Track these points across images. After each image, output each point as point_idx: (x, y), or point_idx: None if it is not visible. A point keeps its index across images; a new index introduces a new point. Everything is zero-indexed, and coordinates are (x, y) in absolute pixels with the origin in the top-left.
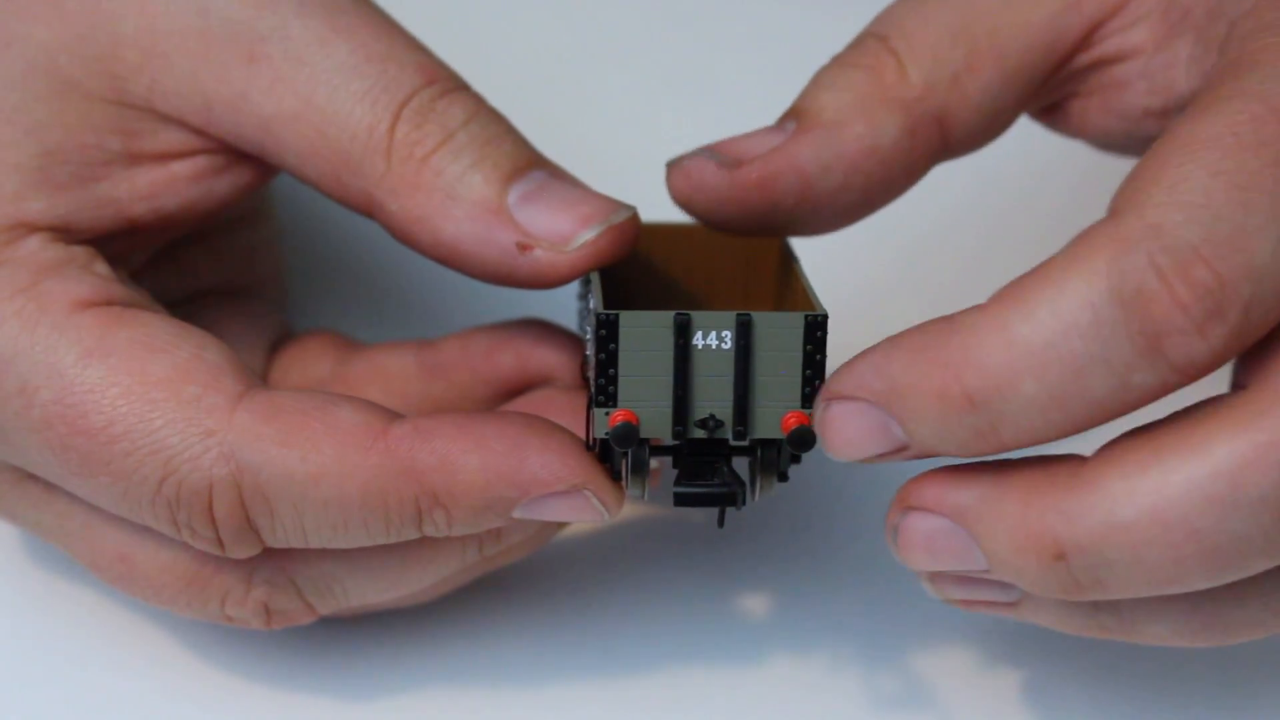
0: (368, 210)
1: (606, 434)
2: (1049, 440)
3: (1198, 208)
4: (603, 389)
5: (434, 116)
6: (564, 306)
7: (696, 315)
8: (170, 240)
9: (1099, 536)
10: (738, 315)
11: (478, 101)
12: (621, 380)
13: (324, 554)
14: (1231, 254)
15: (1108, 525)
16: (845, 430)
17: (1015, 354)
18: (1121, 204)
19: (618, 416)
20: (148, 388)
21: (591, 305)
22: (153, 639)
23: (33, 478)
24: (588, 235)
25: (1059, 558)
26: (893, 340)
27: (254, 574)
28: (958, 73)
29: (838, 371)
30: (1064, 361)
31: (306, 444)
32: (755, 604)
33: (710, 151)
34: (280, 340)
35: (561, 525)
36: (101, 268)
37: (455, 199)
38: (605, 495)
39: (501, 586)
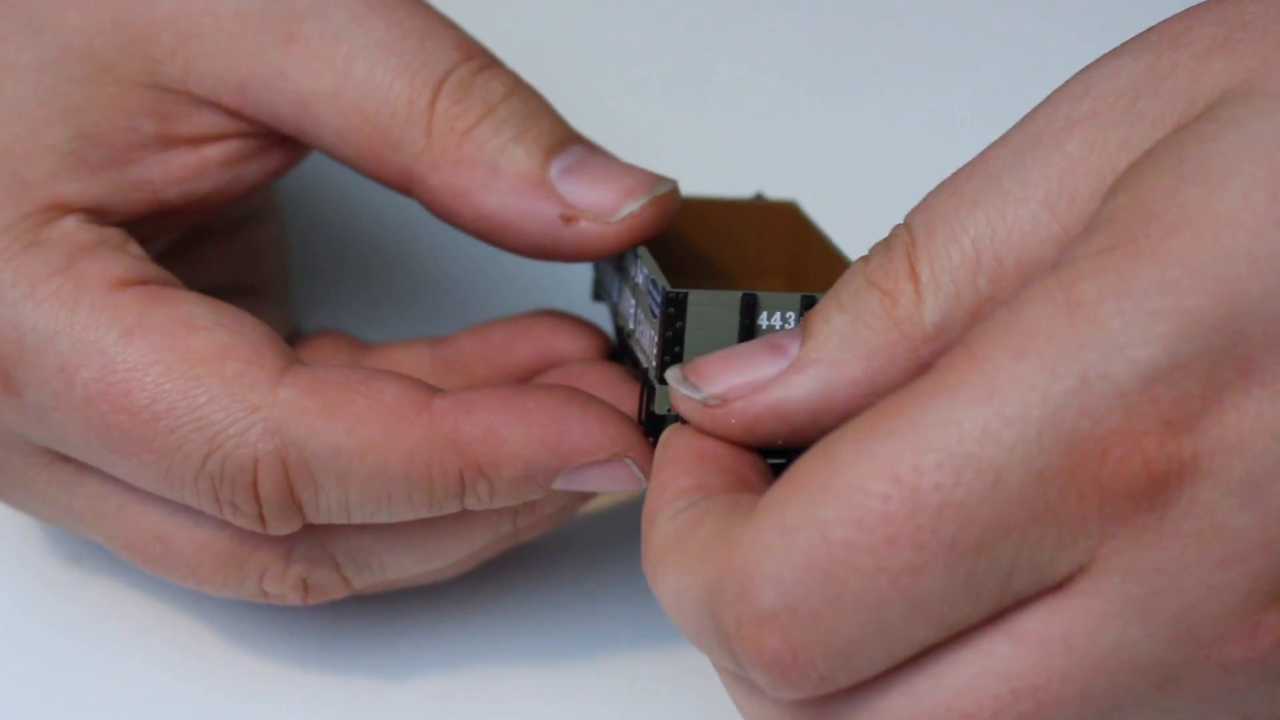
0: (406, 187)
1: (668, 411)
2: None
3: (790, 572)
4: (666, 366)
5: (475, 91)
6: (574, 295)
7: (763, 296)
8: (195, 225)
9: None
10: (803, 296)
11: (515, 78)
12: (687, 358)
13: (362, 528)
14: (809, 630)
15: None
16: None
17: (656, 587)
18: (764, 502)
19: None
20: (190, 365)
21: (641, 280)
22: (171, 625)
23: (64, 460)
24: (632, 206)
25: None
26: (658, 463)
27: (293, 550)
28: (979, 304)
29: (667, 432)
30: (682, 623)
31: (352, 417)
32: None
33: (692, 384)
34: (290, 340)
35: (590, 496)
36: (135, 249)
37: (498, 172)
38: (646, 463)
39: (523, 566)
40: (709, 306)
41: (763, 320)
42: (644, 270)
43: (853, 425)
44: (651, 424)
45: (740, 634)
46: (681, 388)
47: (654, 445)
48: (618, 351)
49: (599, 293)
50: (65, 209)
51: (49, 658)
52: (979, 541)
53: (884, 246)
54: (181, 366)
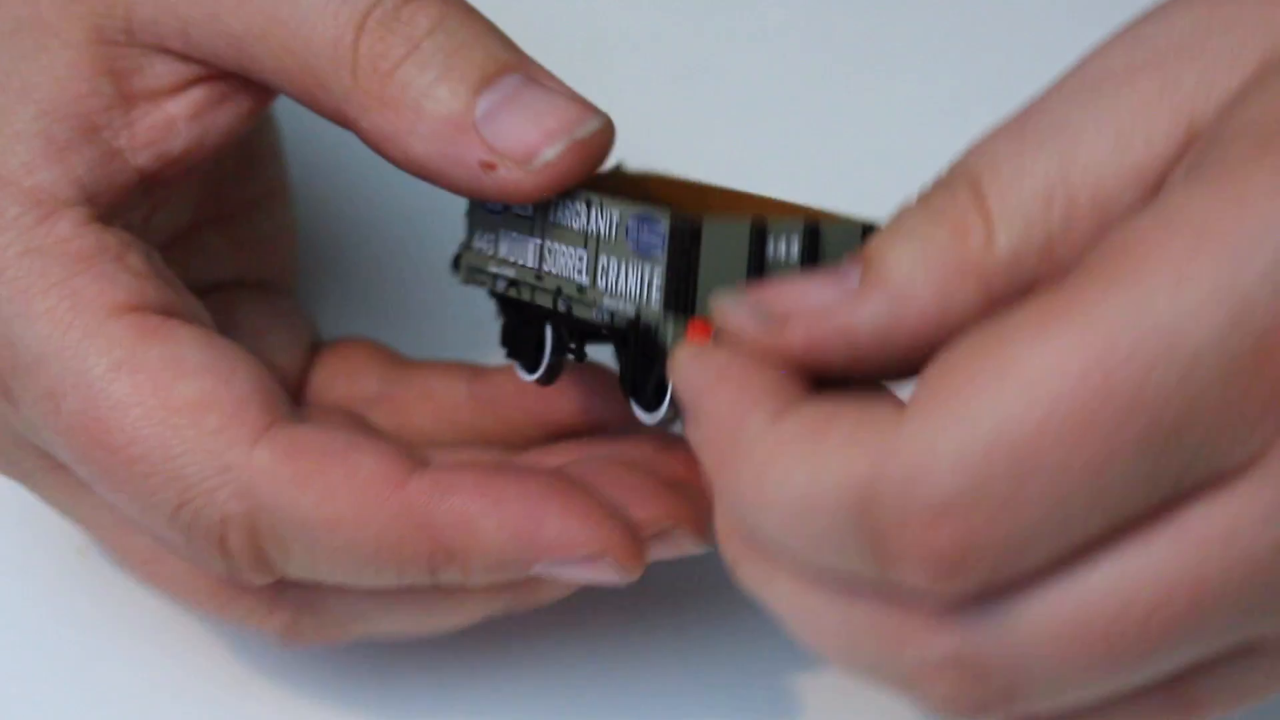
0: (345, 126)
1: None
2: None
3: (972, 461)
4: (680, 296)
5: (398, 26)
6: None
7: (770, 222)
8: (183, 184)
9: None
10: (806, 222)
11: (445, 5)
12: (700, 290)
13: (351, 592)
14: (987, 523)
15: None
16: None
17: (762, 498)
18: (920, 395)
19: (697, 327)
20: (170, 413)
21: (606, 225)
22: (178, 617)
23: (68, 469)
24: (549, 154)
25: (735, 565)
26: (722, 375)
27: (280, 595)
28: (1051, 239)
29: (686, 358)
30: (799, 533)
31: (324, 490)
32: None
33: (753, 305)
34: (317, 343)
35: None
36: (135, 260)
37: (421, 115)
38: (626, 559)
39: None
40: (721, 236)
41: (769, 249)
42: (613, 211)
43: (1016, 318)
44: (642, 371)
45: (903, 531)
46: (741, 309)
47: (642, 397)
48: (513, 326)
49: (461, 267)
50: (54, 204)
51: (56, 649)
52: (1167, 432)
53: (943, 185)
54: (161, 414)
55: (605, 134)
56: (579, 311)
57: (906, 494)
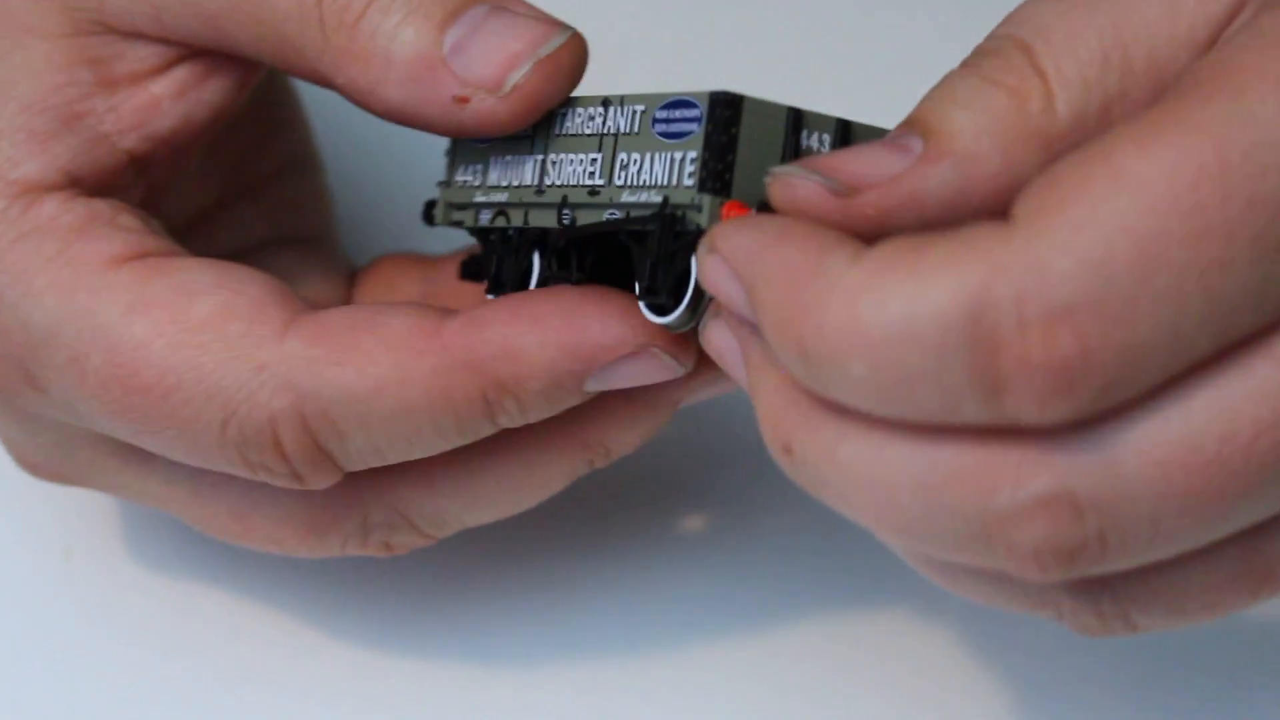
0: (326, 85)
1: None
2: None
3: (1093, 263)
4: (718, 175)
5: None
6: None
7: (806, 114)
8: (188, 162)
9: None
10: (838, 120)
11: None
12: (737, 169)
13: (435, 491)
14: (1108, 328)
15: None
16: (713, 284)
17: (854, 333)
18: (1023, 211)
19: (731, 208)
20: (193, 333)
21: (624, 121)
22: (163, 623)
23: (130, 448)
24: (516, 77)
25: (787, 450)
26: (783, 232)
27: (368, 517)
28: (1109, 101)
29: (737, 227)
30: (897, 364)
31: (361, 358)
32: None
33: (820, 173)
34: (354, 271)
35: (667, 410)
36: (127, 219)
37: (391, 61)
38: (674, 348)
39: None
40: (759, 116)
41: (804, 139)
42: (637, 106)
43: (1119, 133)
44: (663, 264)
45: (1019, 341)
46: (807, 178)
47: (659, 295)
48: (492, 256)
49: (438, 206)
50: (40, 190)
51: (42, 654)
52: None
53: (991, 52)
54: (184, 337)
55: (573, 47)
56: (585, 217)
57: (1023, 301)
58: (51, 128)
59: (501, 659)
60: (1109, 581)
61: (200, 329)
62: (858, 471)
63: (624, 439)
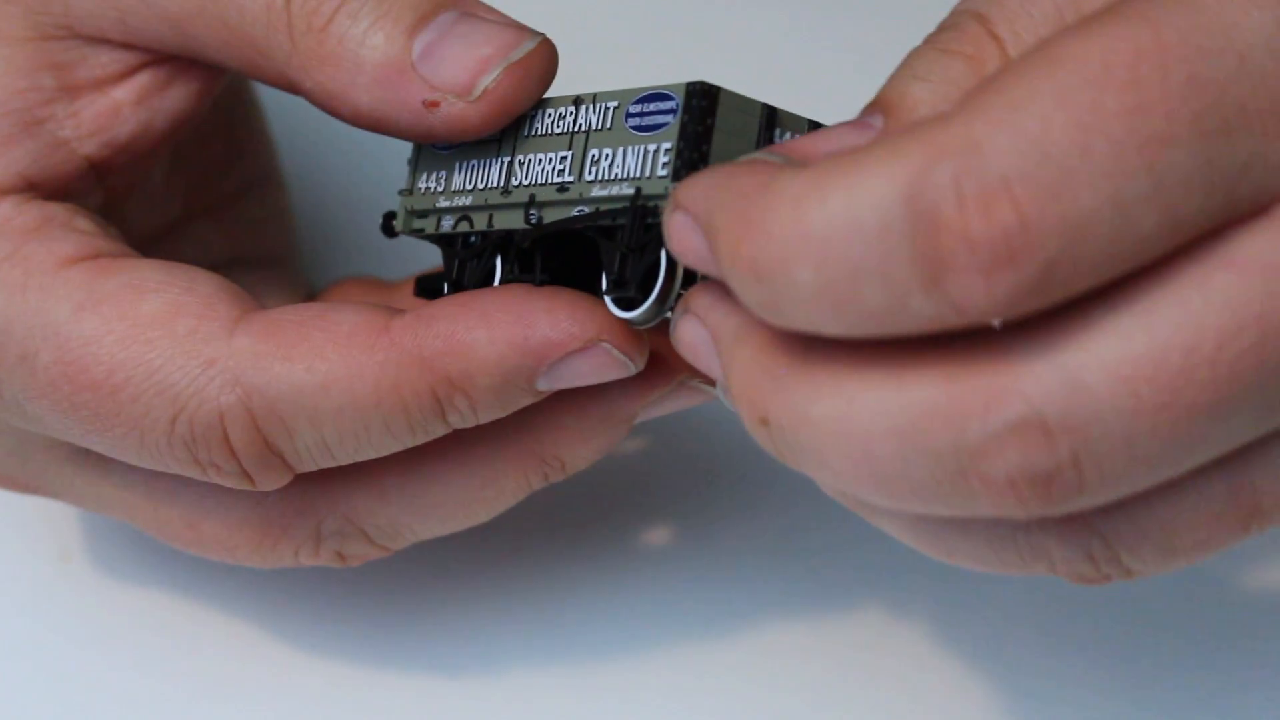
0: (293, 91)
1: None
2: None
3: (1028, 137)
4: (692, 165)
5: None
6: None
7: (780, 112)
8: (148, 171)
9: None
10: (810, 122)
11: None
12: (711, 160)
13: (388, 500)
14: (1047, 200)
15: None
16: (679, 242)
17: (798, 236)
18: (961, 103)
19: None
20: (141, 329)
21: (595, 117)
22: (161, 624)
23: (85, 452)
24: (486, 81)
25: (763, 423)
26: (737, 166)
27: (321, 527)
28: None
29: (696, 177)
30: (841, 261)
31: (310, 354)
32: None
33: (782, 154)
34: (312, 295)
35: (623, 425)
36: (83, 223)
37: (361, 65)
38: (624, 344)
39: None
40: (734, 110)
41: (777, 136)
42: (610, 102)
43: (1065, 29)
44: (634, 256)
45: (961, 215)
46: (772, 158)
47: (628, 288)
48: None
49: (400, 215)
50: None
51: (39, 657)
52: (1223, 121)
53: (948, 26)
54: (133, 332)
55: (543, 53)
56: (553, 215)
57: (961, 178)
58: (10, 132)
59: (481, 664)
60: (1094, 524)
61: (149, 325)
62: (832, 428)
63: (578, 452)
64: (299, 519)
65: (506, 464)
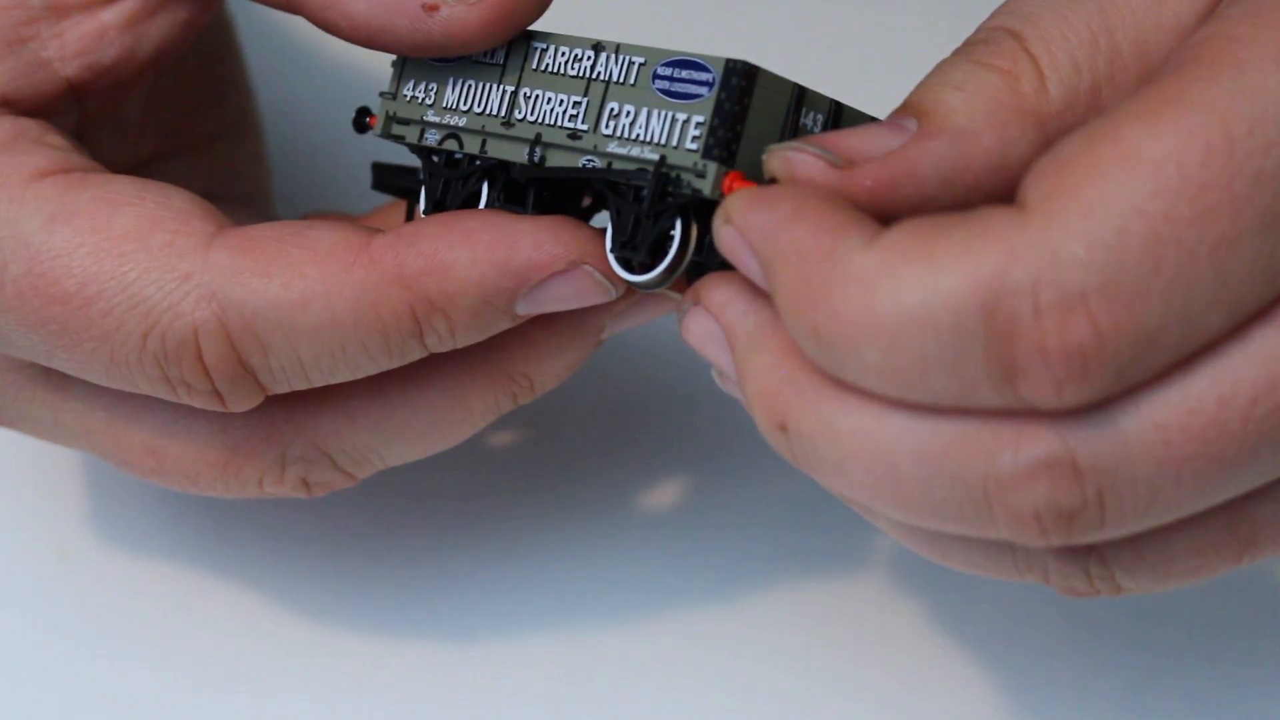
0: (290, 8)
1: (717, 194)
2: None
3: (1106, 248)
4: (725, 144)
5: None
6: None
7: (809, 92)
8: (125, 100)
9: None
10: (832, 101)
11: None
12: (743, 140)
13: (355, 424)
14: (1121, 313)
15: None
16: (732, 254)
17: (869, 321)
18: (1034, 196)
19: (733, 179)
20: (115, 242)
21: (619, 69)
22: (158, 622)
23: (45, 374)
24: None
25: (781, 429)
26: (799, 210)
27: (287, 452)
28: (1098, 84)
29: (748, 195)
30: (911, 351)
31: (288, 270)
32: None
33: (819, 146)
34: None
35: (591, 339)
36: (55, 139)
37: None
38: (607, 268)
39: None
40: (769, 89)
41: (802, 116)
42: (635, 57)
43: (1124, 111)
44: (648, 223)
45: (1035, 329)
46: (807, 153)
47: (637, 253)
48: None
49: (381, 116)
50: None
51: (37, 654)
52: None
53: (983, 40)
54: (107, 245)
55: None
56: (556, 159)
57: (1039, 288)
58: None
59: (475, 634)
60: (1096, 546)
61: (123, 239)
62: (858, 443)
63: (547, 369)
64: (264, 444)
65: (474, 383)
